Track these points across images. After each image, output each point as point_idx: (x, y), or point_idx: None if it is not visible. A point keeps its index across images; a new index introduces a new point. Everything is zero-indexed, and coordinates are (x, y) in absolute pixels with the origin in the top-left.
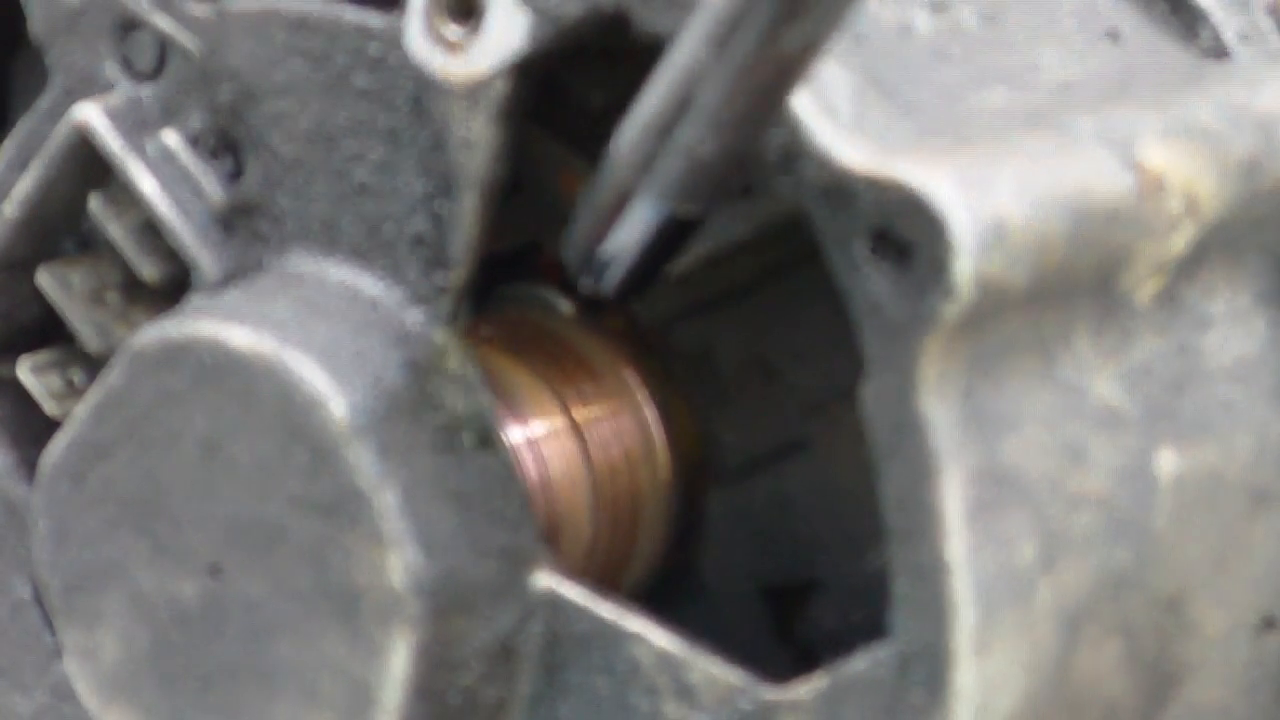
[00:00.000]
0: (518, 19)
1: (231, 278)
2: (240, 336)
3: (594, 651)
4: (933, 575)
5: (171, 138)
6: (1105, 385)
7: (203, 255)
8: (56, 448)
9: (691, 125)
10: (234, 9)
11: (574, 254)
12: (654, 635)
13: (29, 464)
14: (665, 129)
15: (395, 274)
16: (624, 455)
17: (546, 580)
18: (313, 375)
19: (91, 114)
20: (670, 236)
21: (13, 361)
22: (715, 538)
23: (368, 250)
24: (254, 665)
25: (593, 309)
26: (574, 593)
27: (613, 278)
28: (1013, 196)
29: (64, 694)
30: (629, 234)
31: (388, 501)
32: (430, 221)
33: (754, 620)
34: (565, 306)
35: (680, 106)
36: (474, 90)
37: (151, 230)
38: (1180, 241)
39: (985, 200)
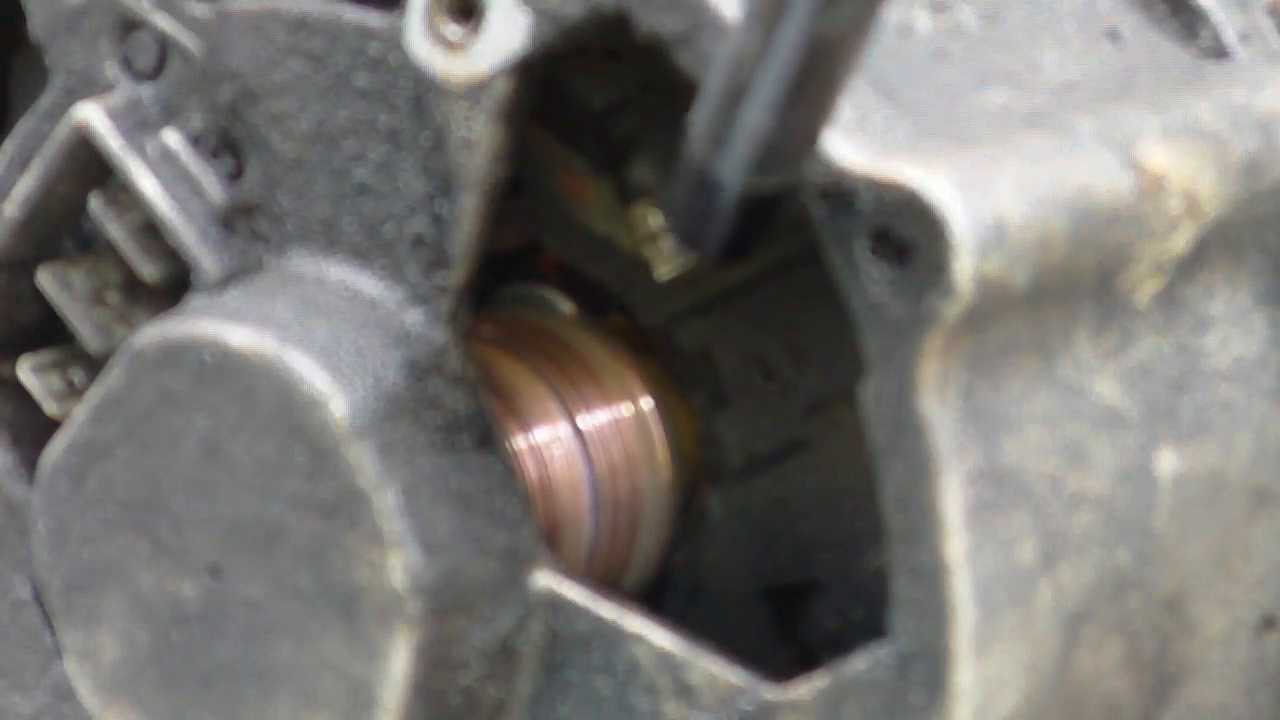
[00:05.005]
0: (518, 19)
1: (232, 277)
2: (240, 336)
3: (594, 651)
4: (933, 575)
5: (172, 138)
6: (1105, 385)
7: (203, 255)
8: (56, 448)
9: (751, 108)
10: (234, 9)
11: (674, 217)
12: (654, 635)
13: (29, 464)
14: (729, 109)
15: (395, 274)
16: (624, 455)
17: (546, 580)
18: (313, 375)
19: (92, 114)
20: (755, 210)
21: (13, 361)
22: (715, 538)
23: (368, 250)
24: (254, 665)
25: (593, 309)
26: (574, 593)
27: (712, 242)
28: (1013, 196)
29: (64, 694)
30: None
31: (388, 501)
32: (430, 221)
33: (754, 620)
34: (565, 306)
35: (739, 89)
36: (474, 90)
37: (151, 230)
38: (1180, 241)
39: (985, 200)
